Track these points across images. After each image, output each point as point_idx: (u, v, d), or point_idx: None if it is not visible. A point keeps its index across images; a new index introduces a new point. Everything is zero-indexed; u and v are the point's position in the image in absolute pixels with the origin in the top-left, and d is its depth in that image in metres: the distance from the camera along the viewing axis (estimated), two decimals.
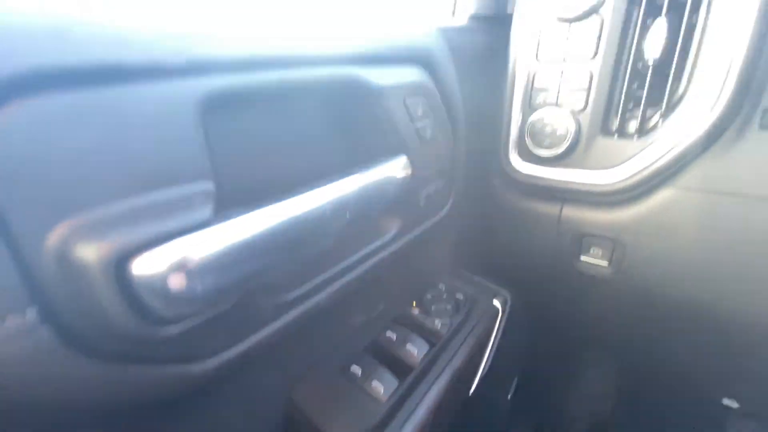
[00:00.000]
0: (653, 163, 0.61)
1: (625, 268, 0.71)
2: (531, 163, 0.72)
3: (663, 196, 0.63)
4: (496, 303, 0.78)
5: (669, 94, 0.60)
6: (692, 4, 0.56)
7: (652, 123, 0.62)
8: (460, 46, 0.68)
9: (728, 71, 0.54)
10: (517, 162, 0.74)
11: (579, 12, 0.61)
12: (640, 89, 0.61)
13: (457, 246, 0.87)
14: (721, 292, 0.64)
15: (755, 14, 0.51)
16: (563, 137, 0.66)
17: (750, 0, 0.52)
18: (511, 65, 0.70)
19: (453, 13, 0.78)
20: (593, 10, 0.61)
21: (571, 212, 0.73)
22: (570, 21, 0.63)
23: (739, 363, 0.75)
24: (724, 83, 0.54)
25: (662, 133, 0.60)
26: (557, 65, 0.66)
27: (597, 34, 0.62)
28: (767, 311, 0.62)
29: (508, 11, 0.79)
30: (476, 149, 0.76)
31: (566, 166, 0.69)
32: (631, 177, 0.63)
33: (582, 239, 0.74)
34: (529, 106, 0.70)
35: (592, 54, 0.63)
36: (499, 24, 0.76)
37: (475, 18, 0.77)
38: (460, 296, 0.78)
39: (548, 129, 0.67)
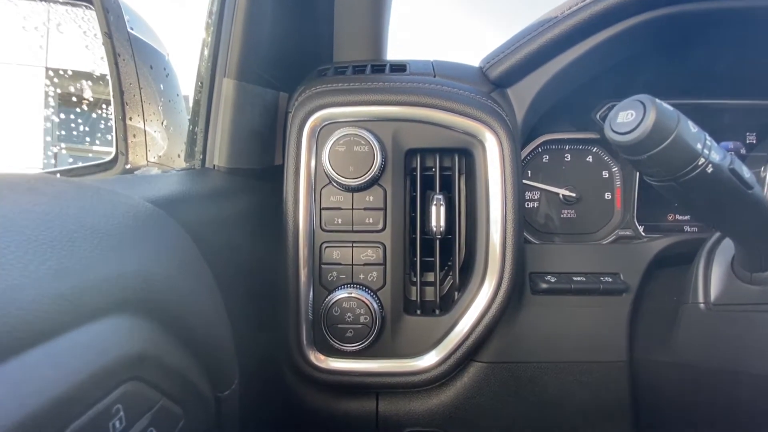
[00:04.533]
0: (462, 342, 0.55)
1: None
2: (333, 357, 0.55)
3: (473, 372, 0.59)
4: None
5: (458, 264, 0.58)
6: (458, 181, 0.58)
7: (449, 295, 0.58)
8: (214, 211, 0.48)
9: (504, 241, 0.55)
10: (316, 358, 0.55)
11: (361, 182, 0.53)
12: (430, 259, 0.58)
13: None
14: None
15: (500, 200, 0.55)
16: (367, 324, 0.53)
17: (495, 185, 0.56)
18: (290, 234, 0.55)
19: (203, 163, 0.58)
20: (374, 181, 0.54)
21: (388, 407, 0.59)
22: (353, 190, 0.55)
23: None
24: (504, 254, 0.55)
25: (462, 306, 0.56)
26: (347, 236, 0.55)
27: (383, 205, 0.55)
28: None
29: (276, 162, 0.66)
30: (256, 338, 0.53)
31: (375, 355, 0.55)
32: (445, 360, 0.55)
33: None
34: (320, 285, 0.55)
35: (382, 226, 0.55)
36: (268, 178, 0.61)
37: (233, 172, 0.59)
38: None
39: (349, 316, 0.53)
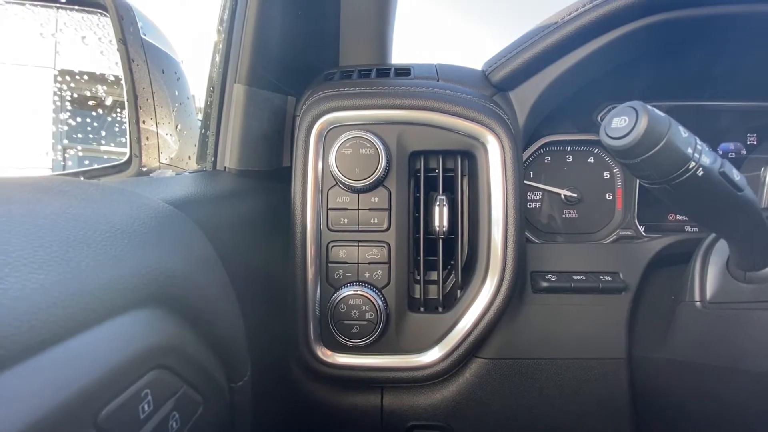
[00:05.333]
0: (464, 339, 0.56)
1: None
2: (340, 352, 0.57)
3: (475, 368, 0.60)
4: None
5: (460, 263, 0.60)
6: (460, 182, 0.59)
7: (452, 294, 0.60)
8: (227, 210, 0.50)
9: (506, 241, 0.56)
10: (323, 353, 0.57)
11: (366, 183, 0.55)
12: (434, 258, 0.59)
13: None
14: None
15: (501, 200, 0.57)
16: (372, 321, 0.55)
17: (497, 186, 0.57)
18: (298, 234, 0.57)
19: (215, 165, 0.60)
20: (379, 182, 0.56)
21: (393, 401, 0.60)
22: (358, 192, 0.56)
23: None
24: (505, 253, 0.56)
25: (464, 303, 0.58)
26: (353, 236, 0.57)
27: (387, 206, 0.57)
28: None
29: (284, 164, 0.68)
30: (266, 333, 0.55)
31: (380, 351, 0.57)
32: (448, 356, 0.56)
33: None
34: (327, 282, 0.57)
35: (386, 226, 0.57)
36: (277, 179, 0.63)
37: (243, 174, 0.61)
38: None
39: (355, 313, 0.55)
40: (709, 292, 0.49)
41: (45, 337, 0.18)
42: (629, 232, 0.72)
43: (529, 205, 0.73)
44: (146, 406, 0.23)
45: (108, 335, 0.22)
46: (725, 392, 0.48)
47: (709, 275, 0.49)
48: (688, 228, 0.73)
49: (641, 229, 0.72)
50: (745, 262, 0.44)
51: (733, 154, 0.75)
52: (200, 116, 0.74)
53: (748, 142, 0.74)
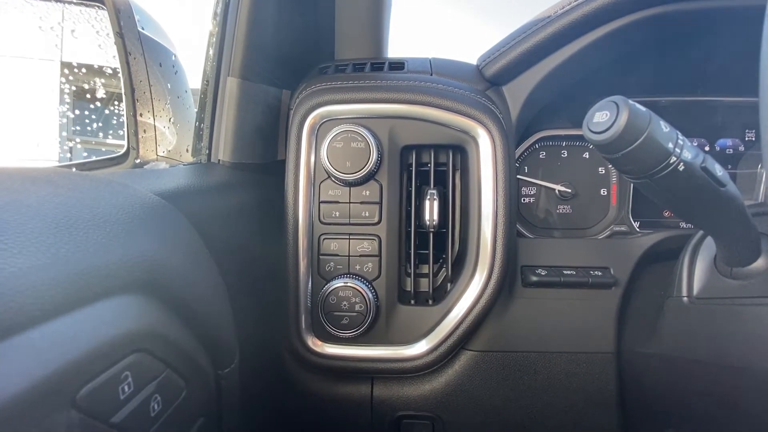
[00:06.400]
0: (453, 331, 0.57)
1: None
2: (330, 343, 0.58)
3: (464, 360, 0.61)
4: None
5: (451, 257, 0.60)
6: (452, 177, 0.60)
7: (443, 287, 0.60)
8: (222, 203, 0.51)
9: (495, 236, 0.57)
10: (314, 343, 0.58)
11: (358, 177, 0.55)
12: (425, 251, 0.60)
13: None
14: None
15: (491, 195, 0.57)
16: (362, 312, 0.55)
17: (487, 181, 0.58)
18: (290, 226, 0.57)
19: (209, 158, 0.61)
20: (370, 176, 0.57)
21: (383, 391, 0.61)
22: (350, 185, 0.57)
23: None
24: (495, 248, 0.57)
25: (454, 296, 0.58)
26: (344, 228, 0.58)
27: (378, 199, 0.57)
28: None
29: (279, 157, 0.69)
30: (258, 323, 0.56)
31: (370, 342, 0.58)
32: (437, 348, 0.57)
33: (401, 423, 0.63)
34: (318, 274, 0.58)
35: (377, 219, 0.57)
36: (270, 172, 0.64)
37: (237, 166, 0.62)
38: None
39: (345, 304, 0.55)
40: (696, 288, 0.49)
41: (22, 320, 0.19)
42: (623, 228, 0.72)
43: (524, 200, 0.73)
44: (126, 387, 0.24)
45: (88, 319, 0.23)
46: (711, 387, 0.48)
47: (697, 271, 0.50)
48: (683, 225, 0.73)
49: (636, 225, 0.72)
50: (731, 258, 0.44)
51: (731, 150, 0.74)
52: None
53: (746, 138, 0.74)
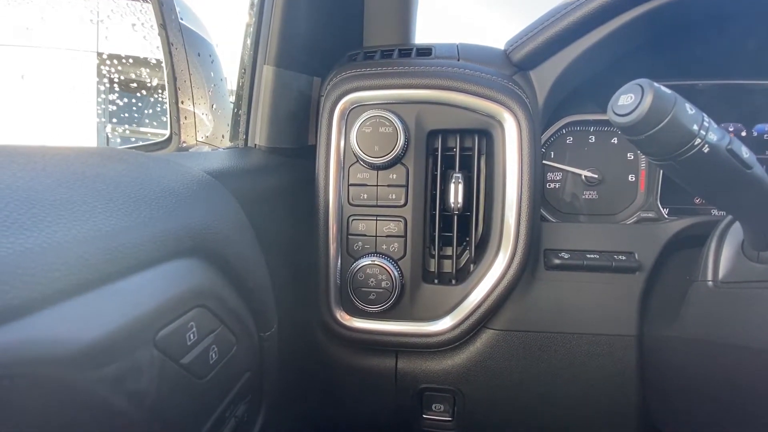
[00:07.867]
0: (475, 311, 0.60)
1: (468, 421, 0.66)
2: (358, 317, 0.62)
3: (486, 338, 0.63)
4: None
5: (474, 240, 0.62)
6: (477, 161, 0.61)
7: (466, 268, 0.63)
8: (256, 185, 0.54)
9: (519, 219, 0.58)
10: (342, 317, 0.62)
11: (385, 160, 0.58)
12: (449, 234, 0.62)
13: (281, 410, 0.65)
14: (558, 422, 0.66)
15: (516, 179, 0.58)
16: (388, 289, 0.59)
17: (512, 165, 0.59)
18: (321, 207, 0.61)
19: (246, 142, 0.65)
20: (397, 160, 0.59)
21: (406, 365, 0.65)
22: (377, 168, 0.60)
23: None
24: (518, 231, 0.58)
25: (476, 277, 0.60)
26: (372, 210, 0.61)
27: (405, 183, 0.60)
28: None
29: (309, 142, 0.72)
30: (291, 296, 0.61)
31: (395, 318, 0.61)
32: (458, 325, 0.60)
33: (423, 394, 0.66)
34: (347, 253, 0.61)
35: (403, 201, 0.60)
36: (303, 156, 0.67)
37: (272, 150, 0.66)
38: None
39: (372, 281, 0.59)
40: (722, 272, 0.49)
41: (113, 271, 0.23)
42: (651, 215, 0.71)
43: (550, 185, 0.74)
44: (192, 335, 0.28)
45: (163, 275, 0.27)
46: (733, 369, 0.48)
47: (723, 255, 0.50)
48: (715, 212, 0.72)
49: (664, 211, 0.71)
50: (758, 242, 0.44)
51: (733, 133, 0.72)
52: (232, 98, 0.79)
53: None
